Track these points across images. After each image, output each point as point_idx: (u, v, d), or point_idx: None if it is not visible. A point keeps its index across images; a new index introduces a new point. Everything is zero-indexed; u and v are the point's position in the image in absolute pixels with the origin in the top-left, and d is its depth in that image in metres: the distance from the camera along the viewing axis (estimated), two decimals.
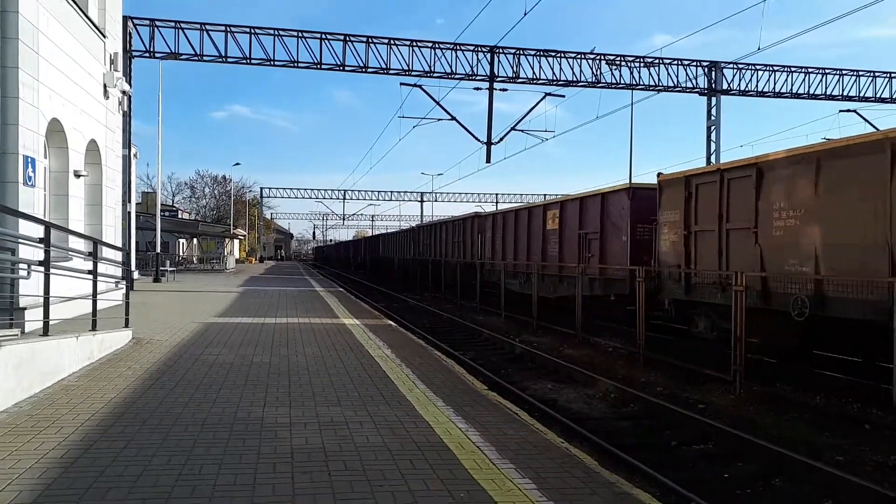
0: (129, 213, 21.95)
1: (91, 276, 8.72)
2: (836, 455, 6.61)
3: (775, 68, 28.56)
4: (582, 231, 16.25)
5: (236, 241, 70.23)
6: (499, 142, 25.65)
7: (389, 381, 7.42)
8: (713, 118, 28.34)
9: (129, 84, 18.66)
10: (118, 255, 13.46)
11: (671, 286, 12.32)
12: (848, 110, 25.47)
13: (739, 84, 28.44)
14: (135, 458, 4.43)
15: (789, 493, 5.73)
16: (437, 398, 6.59)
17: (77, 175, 13.54)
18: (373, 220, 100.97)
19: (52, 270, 7.22)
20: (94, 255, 8.83)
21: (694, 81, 28.00)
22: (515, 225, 20.51)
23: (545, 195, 62.85)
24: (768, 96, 28.73)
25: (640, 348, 11.65)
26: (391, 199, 77.37)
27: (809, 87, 28.75)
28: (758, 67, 28.35)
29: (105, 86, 15.46)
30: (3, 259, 8.61)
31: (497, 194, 74.61)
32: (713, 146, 28.49)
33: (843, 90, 29.02)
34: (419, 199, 76.12)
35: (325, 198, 76.59)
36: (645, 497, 4.12)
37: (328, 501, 3.77)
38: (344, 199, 75.76)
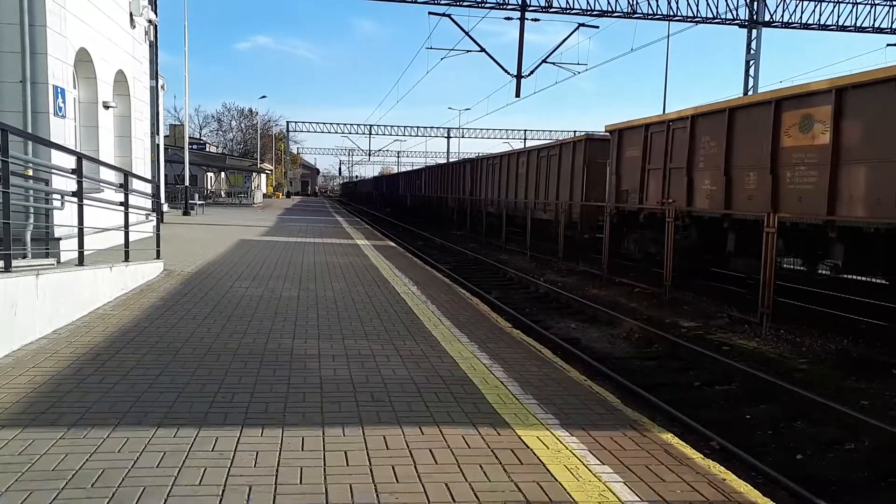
0: (158, 145, 22.03)
1: (122, 208, 8.84)
2: (862, 399, 6.60)
3: None
4: None
5: (263, 176, 70.46)
6: (529, 75, 25.03)
7: (415, 316, 7.51)
8: (753, 52, 27.24)
9: (155, 13, 18.41)
10: (148, 188, 13.60)
11: None
12: None
13: (783, 16, 27.17)
14: (169, 385, 4.58)
15: (811, 435, 5.75)
16: (461, 334, 6.67)
17: (106, 106, 13.57)
18: (398, 157, 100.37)
19: (85, 201, 7.33)
20: (124, 187, 8.93)
21: (735, 13, 26.84)
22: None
23: (574, 132, 61.59)
24: (812, 28, 27.45)
25: (666, 289, 11.60)
26: (417, 135, 76.58)
27: (857, 20, 27.38)
28: None
29: (131, 14, 15.28)
30: (37, 189, 8.74)
31: (525, 130, 73.46)
32: (751, 81, 27.50)
33: (892, 23, 27.59)
34: (446, 134, 75.22)
35: (350, 132, 76.05)
36: (667, 436, 4.16)
37: (356, 431, 3.88)
38: (370, 134, 75.13)
